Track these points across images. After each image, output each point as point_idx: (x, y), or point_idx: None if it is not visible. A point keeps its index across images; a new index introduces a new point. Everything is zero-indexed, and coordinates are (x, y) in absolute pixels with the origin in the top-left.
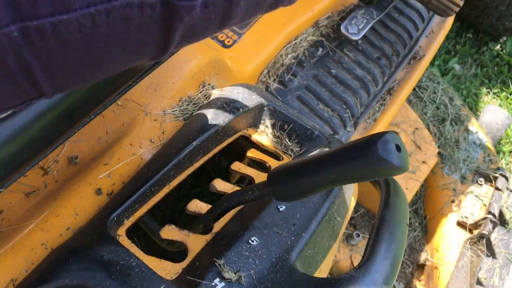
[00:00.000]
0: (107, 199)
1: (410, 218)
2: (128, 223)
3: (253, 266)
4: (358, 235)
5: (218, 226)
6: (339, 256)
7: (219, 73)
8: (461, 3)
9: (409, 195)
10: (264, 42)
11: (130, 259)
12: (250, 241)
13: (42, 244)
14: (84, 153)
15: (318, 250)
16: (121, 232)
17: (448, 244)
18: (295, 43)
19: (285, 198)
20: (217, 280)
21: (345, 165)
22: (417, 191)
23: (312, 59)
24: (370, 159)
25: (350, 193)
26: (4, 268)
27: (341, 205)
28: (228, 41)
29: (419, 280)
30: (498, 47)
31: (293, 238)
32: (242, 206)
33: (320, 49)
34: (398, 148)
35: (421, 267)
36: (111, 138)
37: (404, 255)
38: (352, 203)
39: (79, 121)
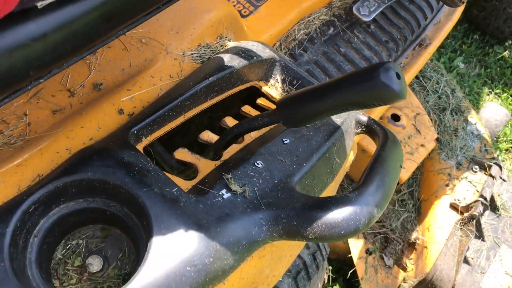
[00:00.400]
0: (128, 118)
1: (404, 200)
2: (145, 141)
3: (257, 184)
4: None
5: (226, 155)
6: None
7: (235, 33)
8: None
9: (406, 175)
10: (279, 16)
11: (147, 164)
12: (255, 163)
13: (67, 149)
14: (108, 81)
15: (317, 182)
16: (139, 148)
17: (439, 224)
18: (308, 20)
19: (293, 123)
20: (224, 191)
21: (349, 90)
22: (413, 172)
23: (323, 37)
24: (372, 83)
25: (350, 143)
26: (32, 166)
27: (341, 149)
28: (245, 11)
29: (409, 259)
30: (503, 50)
31: (294, 166)
32: (248, 142)
33: (332, 28)
34: (398, 76)
35: (412, 245)
36: (134, 70)
37: (395, 232)
38: (351, 156)
39: (114, 28)
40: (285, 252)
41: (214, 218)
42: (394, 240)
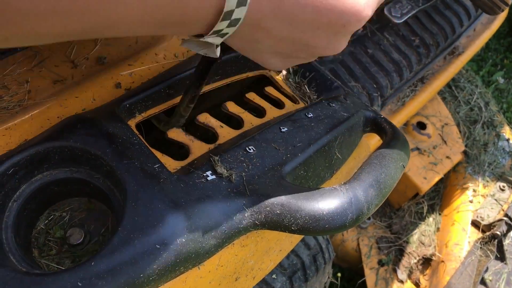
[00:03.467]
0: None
1: (424, 213)
2: (139, 117)
3: (246, 169)
4: (369, 219)
5: (222, 139)
6: (346, 235)
7: None
8: (510, 2)
9: (427, 186)
10: None
11: (132, 137)
12: (247, 148)
13: (58, 117)
14: (112, 56)
15: (312, 175)
16: (131, 123)
17: (458, 241)
18: None
19: None
20: (209, 172)
21: None
22: (437, 185)
23: (352, 37)
24: None
25: (356, 140)
26: (21, 131)
27: (344, 144)
28: None
29: (424, 275)
30: None
31: (288, 155)
32: (248, 129)
33: (361, 29)
34: None
35: (428, 261)
36: (140, 47)
37: (412, 246)
38: (358, 154)
39: None
40: (273, 245)
41: (193, 199)
42: (409, 253)
